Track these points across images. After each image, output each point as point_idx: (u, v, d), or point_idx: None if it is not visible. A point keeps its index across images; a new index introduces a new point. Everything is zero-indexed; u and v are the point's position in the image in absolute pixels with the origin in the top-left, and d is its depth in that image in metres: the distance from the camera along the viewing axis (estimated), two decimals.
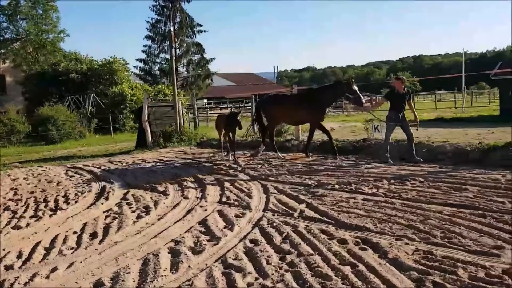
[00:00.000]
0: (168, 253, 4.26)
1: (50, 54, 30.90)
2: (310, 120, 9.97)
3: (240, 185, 7.29)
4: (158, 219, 5.51)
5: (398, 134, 9.54)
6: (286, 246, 4.25)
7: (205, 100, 45.37)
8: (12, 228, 5.43)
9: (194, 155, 11.75)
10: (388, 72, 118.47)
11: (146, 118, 14.00)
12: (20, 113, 22.51)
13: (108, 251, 4.44)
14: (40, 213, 6.11)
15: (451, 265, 3.55)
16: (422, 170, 7.75)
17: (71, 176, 9.37)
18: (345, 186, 6.77)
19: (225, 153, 10.89)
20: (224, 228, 4.98)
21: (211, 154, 11.65)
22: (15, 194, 7.74)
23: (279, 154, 10.39)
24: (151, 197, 6.75)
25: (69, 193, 7.44)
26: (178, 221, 5.38)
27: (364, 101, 9.68)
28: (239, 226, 5.01)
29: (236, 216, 5.44)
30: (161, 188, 7.32)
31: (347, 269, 3.61)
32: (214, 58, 39.77)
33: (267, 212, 5.56)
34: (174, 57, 16.88)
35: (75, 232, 5.17)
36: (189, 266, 3.89)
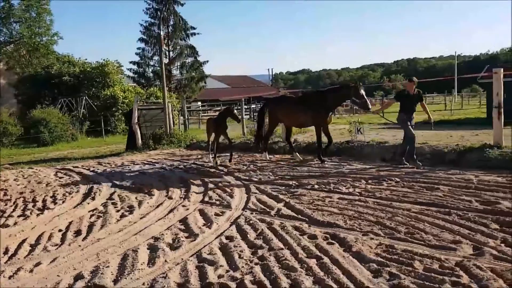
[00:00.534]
0: (147, 249, 4.51)
1: (43, 57, 31.00)
2: (314, 123, 9.77)
3: (223, 185, 7.54)
4: (141, 218, 5.74)
5: (386, 135, 9.82)
6: (259, 242, 4.50)
7: (199, 103, 45.59)
8: (0, 226, 5.64)
9: (182, 157, 11.99)
10: (383, 74, 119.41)
11: (136, 120, 14.24)
12: (13, 115, 22.64)
13: (90, 247, 4.68)
14: (28, 213, 6.33)
15: (409, 258, 3.81)
16: (400, 171, 8.02)
17: (60, 177, 9.57)
18: (324, 186, 7.03)
19: (212, 155, 10.96)
20: (203, 226, 5.22)
21: (199, 156, 11.88)
22: (5, 194, 7.94)
23: (267, 155, 10.50)
24: (136, 197, 6.99)
25: (57, 194, 7.65)
26: (159, 219, 5.62)
27: (370, 106, 9.51)
28: (217, 223, 5.25)
29: (216, 214, 5.69)
30: (146, 189, 7.55)
31: (312, 262, 3.86)
32: (207, 61, 40.31)
33: (246, 211, 5.81)
34: (163, 61, 17.10)
35: (60, 230, 5.40)
36: (165, 261, 4.13)
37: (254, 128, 14.04)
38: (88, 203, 6.80)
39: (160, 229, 5.18)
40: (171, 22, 38.11)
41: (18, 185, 8.91)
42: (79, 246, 4.72)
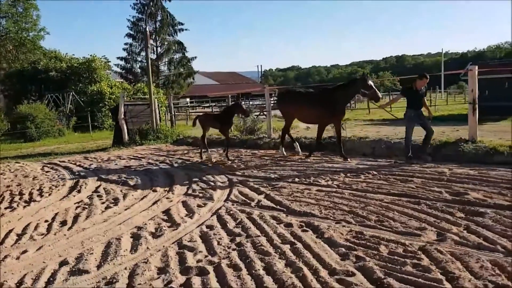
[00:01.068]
0: (130, 237, 4.72)
1: (30, 52, 30.86)
2: (332, 121, 9.54)
3: (207, 179, 7.75)
4: (125, 209, 5.94)
5: (369, 131, 10.08)
6: (238, 230, 4.73)
7: (187, 99, 45.59)
8: None
9: (168, 152, 12.15)
10: (372, 71, 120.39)
11: (122, 116, 14.36)
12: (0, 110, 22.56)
13: (75, 236, 4.87)
14: (14, 205, 6.49)
15: (375, 243, 4.08)
16: (378, 164, 8.32)
17: (47, 172, 9.69)
18: (304, 179, 7.28)
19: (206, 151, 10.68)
20: (185, 216, 5.44)
21: (186, 151, 12.06)
22: None
23: (283, 151, 10.21)
24: (121, 190, 7.17)
25: (44, 187, 7.79)
26: (143, 210, 5.82)
27: (380, 96, 9.16)
28: (199, 214, 5.47)
29: (198, 206, 5.91)
30: (132, 182, 7.74)
31: (286, 247, 4.10)
32: (196, 57, 40.24)
33: (227, 202, 6.04)
34: (150, 56, 17.18)
35: (46, 221, 5.57)
36: (147, 248, 4.35)
37: (240, 124, 14.26)
38: (74, 196, 6.96)
39: (143, 219, 5.38)
40: (159, 18, 38.07)
41: (5, 179, 9.01)
42: (65, 235, 4.91)
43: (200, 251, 4.15)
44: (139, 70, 37.96)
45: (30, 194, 7.27)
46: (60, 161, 11.38)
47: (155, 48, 38.28)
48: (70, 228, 5.18)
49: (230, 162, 9.54)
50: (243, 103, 9.99)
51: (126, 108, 14.73)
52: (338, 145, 9.47)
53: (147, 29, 15.44)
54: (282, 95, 10.58)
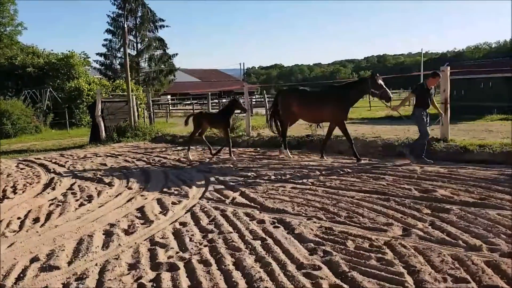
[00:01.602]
0: (103, 234, 4.74)
1: (7, 48, 30.17)
2: (332, 119, 9.13)
3: (184, 177, 7.77)
4: (99, 207, 5.93)
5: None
6: (211, 227, 4.80)
7: (168, 96, 45.31)
8: None
9: (146, 150, 12.11)
10: (353, 70, 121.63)
11: (99, 113, 14.23)
12: None
13: (48, 233, 4.86)
14: None
15: (343, 238, 4.20)
16: (352, 162, 8.48)
17: (22, 169, 9.56)
18: (280, 177, 7.38)
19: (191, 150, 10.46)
20: (159, 213, 5.47)
21: (164, 149, 12.04)
22: None
23: (288, 152, 9.59)
24: (96, 188, 7.14)
25: (18, 184, 7.70)
26: (117, 208, 5.83)
27: (391, 95, 8.75)
28: (173, 211, 5.51)
29: (173, 203, 5.94)
30: (107, 180, 7.71)
31: (257, 243, 4.19)
32: (177, 54, 40.05)
33: (202, 200, 6.09)
34: (128, 53, 17.02)
35: (19, 218, 5.54)
36: (119, 244, 4.37)
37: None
38: (48, 193, 6.91)
39: (117, 216, 5.39)
40: (139, 14, 37.73)
41: None
42: (37, 232, 4.89)
43: (171, 248, 4.20)
44: (118, 67, 37.54)
45: (4, 191, 7.18)
46: (35, 159, 11.22)
47: (135, 45, 37.95)
48: (42, 225, 5.16)
49: (235, 159, 9.53)
50: (241, 99, 9.86)
51: (104, 105, 14.59)
52: (324, 144, 9.37)
53: (125, 25, 15.29)
54: (285, 94, 9.91)
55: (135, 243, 4.41)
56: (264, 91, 31.68)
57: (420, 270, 3.42)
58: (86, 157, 11.01)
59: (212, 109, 20.97)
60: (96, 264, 3.88)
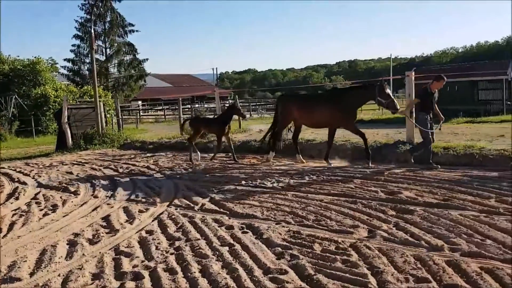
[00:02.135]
0: (67, 244, 4.62)
1: None
2: (332, 124, 8.89)
3: (152, 184, 7.66)
4: (64, 216, 5.77)
5: (318, 134, 10.30)
6: (178, 234, 4.74)
7: (139, 102, 44.71)
8: None
9: (114, 157, 11.87)
10: (325, 75, 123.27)
11: (66, 120, 13.89)
12: None
13: (10, 243, 4.71)
14: None
15: (310, 241, 4.24)
16: (322, 166, 8.57)
17: None
18: (250, 182, 7.38)
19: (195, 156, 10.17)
20: (125, 222, 5.37)
21: (132, 156, 11.83)
22: None
23: (272, 157, 9.51)
24: (61, 197, 6.94)
25: None
26: (82, 217, 5.68)
27: (398, 107, 8.34)
28: (139, 219, 5.42)
29: (140, 211, 5.84)
30: (72, 188, 7.51)
31: (224, 249, 4.17)
32: (147, 59, 39.58)
33: (170, 207, 6.01)
34: (95, 58, 16.78)
35: None
36: (83, 254, 4.26)
37: (189, 128, 14.15)
38: (12, 203, 6.69)
39: (81, 226, 5.26)
40: (108, 19, 37.14)
41: None
42: None
43: (137, 257, 4.12)
44: (87, 72, 36.72)
45: None
46: None
47: (104, 50, 37.29)
48: (5, 236, 5.00)
49: (239, 162, 9.47)
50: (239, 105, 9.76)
51: (70, 112, 14.25)
52: (328, 150, 8.96)
53: (93, 31, 15.02)
54: (286, 99, 9.71)
55: (100, 252, 4.31)
56: (237, 96, 31.75)
57: (383, 271, 3.47)
58: (52, 166, 10.70)
59: (183, 115, 20.84)
60: (59, 275, 3.78)
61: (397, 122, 20.47)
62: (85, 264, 3.99)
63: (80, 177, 8.72)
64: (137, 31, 38.43)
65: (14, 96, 24.69)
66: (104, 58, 37.20)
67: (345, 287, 3.25)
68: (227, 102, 40.12)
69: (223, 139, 10.09)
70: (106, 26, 37.01)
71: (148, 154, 11.92)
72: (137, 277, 3.65)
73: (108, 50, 37.50)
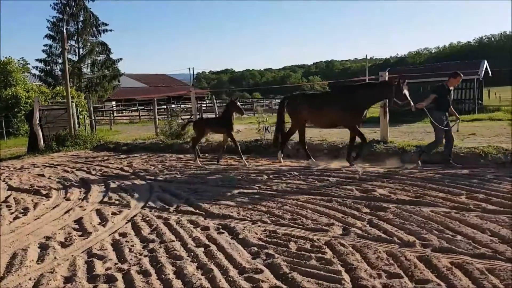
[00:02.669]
0: (38, 247, 4.52)
1: None
2: (346, 123, 8.57)
3: (126, 186, 7.54)
4: (35, 219, 5.63)
5: (296, 134, 10.30)
6: (152, 236, 4.68)
7: (113, 102, 43.94)
8: None
9: (87, 158, 11.63)
10: (303, 75, 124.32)
11: (37, 121, 13.54)
12: None
13: None
14: None
15: (286, 240, 4.26)
16: (300, 166, 8.63)
17: None
18: (227, 183, 7.36)
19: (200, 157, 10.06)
20: (98, 224, 5.27)
21: (106, 157, 11.62)
22: None
23: (281, 157, 9.22)
24: (32, 200, 6.77)
25: None
26: (54, 220, 5.56)
27: (414, 109, 7.86)
28: (113, 222, 5.33)
29: (113, 214, 5.74)
30: (44, 191, 7.32)
31: (199, 250, 4.14)
32: (121, 59, 39.02)
33: (144, 209, 5.93)
34: (67, 58, 16.41)
35: None
36: (55, 258, 4.17)
37: (166, 128, 14.02)
38: None
39: (53, 229, 5.14)
40: (81, 18, 36.42)
41: None
42: None
43: (110, 259, 4.05)
44: (59, 73, 35.92)
45: None
46: None
47: (77, 50, 36.56)
48: None
49: (247, 163, 9.13)
50: (238, 102, 9.65)
51: (42, 113, 13.90)
52: (349, 150, 8.57)
53: (65, 30, 14.70)
54: (293, 99, 9.30)
55: (72, 255, 4.22)
56: (214, 96, 31.63)
57: (356, 267, 3.52)
58: (23, 168, 10.42)
59: (159, 115, 20.61)
60: (30, 279, 3.70)
61: (372, 122, 20.90)
62: (57, 267, 3.90)
63: (52, 180, 8.51)
64: (110, 30, 37.88)
65: None
66: (77, 58, 36.47)
67: (319, 284, 3.28)
68: (204, 102, 39.92)
69: (222, 138, 10.04)
70: (79, 26, 36.31)
71: (122, 156, 11.73)
72: (110, 279, 3.59)
73: (81, 50, 36.81)
